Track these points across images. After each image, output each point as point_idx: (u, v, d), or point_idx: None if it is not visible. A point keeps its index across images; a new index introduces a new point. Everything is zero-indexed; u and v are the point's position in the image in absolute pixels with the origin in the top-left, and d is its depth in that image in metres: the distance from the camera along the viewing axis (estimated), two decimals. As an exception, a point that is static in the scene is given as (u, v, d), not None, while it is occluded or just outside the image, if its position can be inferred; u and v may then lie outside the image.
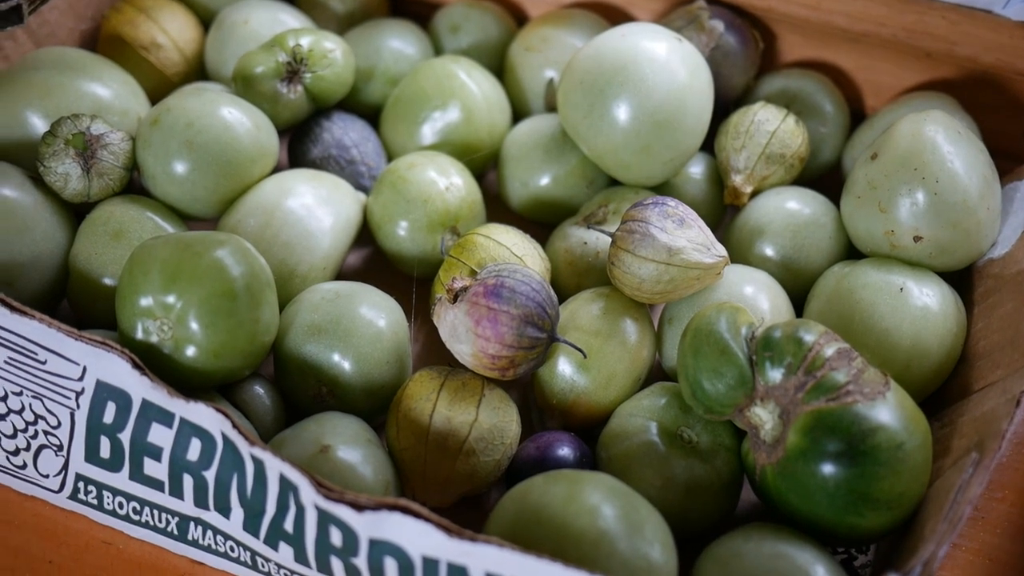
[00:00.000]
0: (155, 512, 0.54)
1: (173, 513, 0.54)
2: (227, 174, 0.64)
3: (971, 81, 0.70)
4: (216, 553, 0.55)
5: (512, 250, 0.62)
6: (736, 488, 0.57)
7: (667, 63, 0.63)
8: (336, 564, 0.49)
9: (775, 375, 0.52)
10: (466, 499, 0.59)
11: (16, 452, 0.56)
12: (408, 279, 0.67)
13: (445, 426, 0.56)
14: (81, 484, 0.56)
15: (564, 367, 0.59)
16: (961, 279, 0.64)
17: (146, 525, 0.55)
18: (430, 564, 0.47)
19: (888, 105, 0.70)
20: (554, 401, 0.60)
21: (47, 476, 0.56)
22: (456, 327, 0.56)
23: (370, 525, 0.47)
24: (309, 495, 0.48)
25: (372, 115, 0.75)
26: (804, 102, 0.71)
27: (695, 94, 0.64)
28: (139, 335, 0.55)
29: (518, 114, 0.75)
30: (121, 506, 0.55)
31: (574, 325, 0.60)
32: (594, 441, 0.60)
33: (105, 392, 0.53)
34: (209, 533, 0.54)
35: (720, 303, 0.56)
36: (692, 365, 0.55)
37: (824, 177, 0.73)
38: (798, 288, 0.64)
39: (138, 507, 0.55)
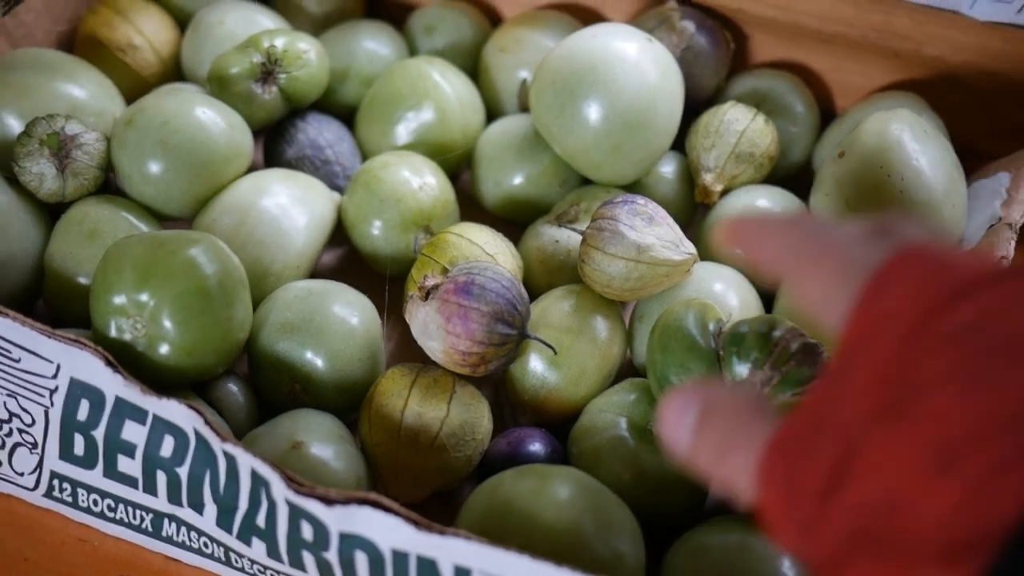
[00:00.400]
0: (129, 509, 0.55)
1: (147, 510, 0.54)
2: (201, 174, 0.64)
3: (939, 81, 0.71)
4: (190, 550, 0.55)
5: (484, 248, 0.62)
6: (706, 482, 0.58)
7: (638, 63, 0.64)
8: (308, 559, 0.50)
9: (742, 370, 0.53)
10: (439, 495, 0.59)
11: (-9, 450, 0.57)
12: (383, 278, 0.68)
13: (416, 422, 0.57)
14: (56, 482, 0.56)
15: (535, 364, 0.60)
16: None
17: (121, 522, 0.56)
18: (400, 557, 0.47)
19: (857, 104, 0.71)
20: (525, 397, 0.61)
21: (22, 474, 0.56)
22: (427, 324, 0.57)
23: (340, 519, 0.47)
24: (280, 490, 0.48)
25: (347, 116, 0.75)
26: (775, 102, 0.72)
27: (665, 94, 0.65)
28: (112, 333, 0.56)
29: (492, 114, 0.76)
30: (96, 503, 0.55)
31: (545, 322, 0.60)
32: (566, 437, 0.61)
33: (79, 390, 0.53)
34: (183, 530, 0.54)
35: (688, 299, 0.57)
36: (660, 360, 0.55)
37: (795, 176, 0.73)
38: (768, 285, 0.65)
39: (112, 504, 0.55)
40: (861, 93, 0.74)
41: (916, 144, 0.61)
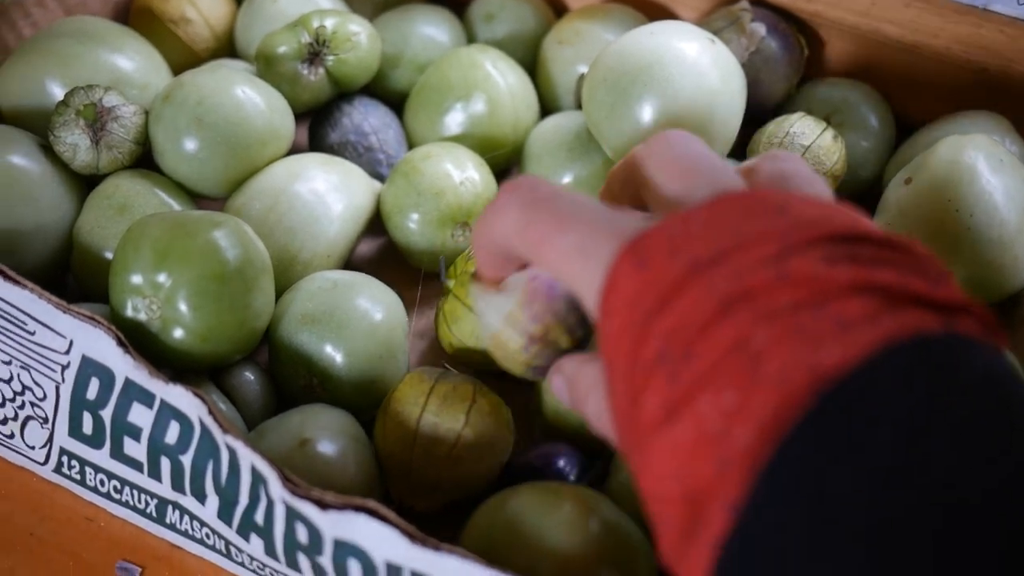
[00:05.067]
0: (135, 492, 0.54)
1: (152, 495, 0.53)
2: (236, 154, 0.63)
3: (1029, 101, 0.66)
4: (193, 539, 0.54)
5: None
6: None
7: (696, 64, 0.60)
8: (303, 561, 0.48)
9: None
10: (456, 503, 0.57)
11: (5, 421, 0.56)
12: (420, 270, 0.66)
13: (432, 432, 0.54)
14: (65, 458, 0.55)
15: None
16: (1012, 304, 0.60)
17: (126, 505, 0.55)
18: (393, 570, 0.45)
19: (936, 123, 0.67)
20: (569, 431, 0.57)
21: (33, 448, 0.56)
22: (504, 289, 0.47)
23: (334, 525, 0.46)
24: (277, 489, 0.47)
25: (399, 102, 0.73)
26: (847, 114, 0.68)
27: (725, 99, 0.61)
28: (128, 312, 0.55)
29: (548, 110, 0.73)
30: (103, 483, 0.55)
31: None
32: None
33: (90, 368, 0.52)
34: (186, 518, 0.53)
35: None
36: None
37: (863, 194, 0.69)
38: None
39: (119, 486, 0.54)
40: (942, 109, 0.69)
41: (991, 175, 0.56)
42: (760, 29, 0.67)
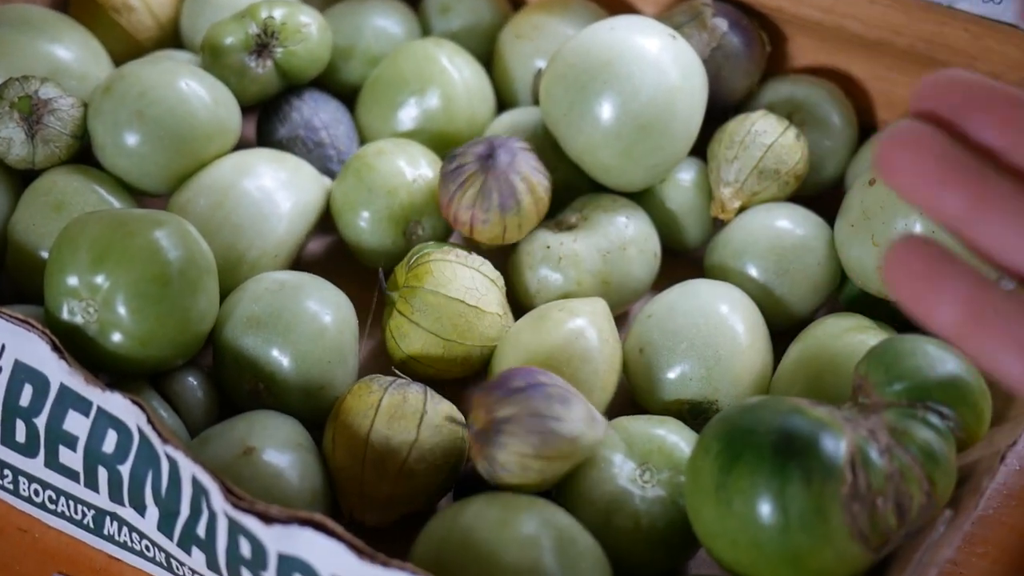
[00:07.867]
0: (71, 503, 0.52)
1: (89, 506, 0.51)
2: (180, 149, 0.60)
3: (991, 101, 0.65)
4: (132, 551, 0.52)
5: (466, 301, 0.57)
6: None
7: (657, 61, 0.59)
8: (247, 576, 0.46)
9: None
10: (410, 514, 0.55)
11: (-68, 428, 0.54)
12: (374, 270, 0.64)
13: (383, 446, 0.53)
14: None
15: None
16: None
17: (62, 516, 0.53)
18: (340, 586, 0.43)
19: (899, 120, 0.66)
20: None
21: (-36, 457, 0.54)
22: None
23: (279, 539, 0.44)
24: (219, 502, 0.45)
25: (350, 96, 0.71)
26: (809, 112, 0.66)
27: (686, 96, 0.60)
28: (64, 315, 0.53)
29: (505, 105, 0.71)
30: (37, 493, 0.53)
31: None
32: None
33: (23, 373, 0.50)
34: (125, 530, 0.51)
35: None
36: None
37: (826, 194, 0.68)
38: (779, 315, 0.59)
39: (54, 496, 0.52)
40: (906, 107, 0.68)
41: (957, 175, 0.55)
42: (722, 24, 0.66)
